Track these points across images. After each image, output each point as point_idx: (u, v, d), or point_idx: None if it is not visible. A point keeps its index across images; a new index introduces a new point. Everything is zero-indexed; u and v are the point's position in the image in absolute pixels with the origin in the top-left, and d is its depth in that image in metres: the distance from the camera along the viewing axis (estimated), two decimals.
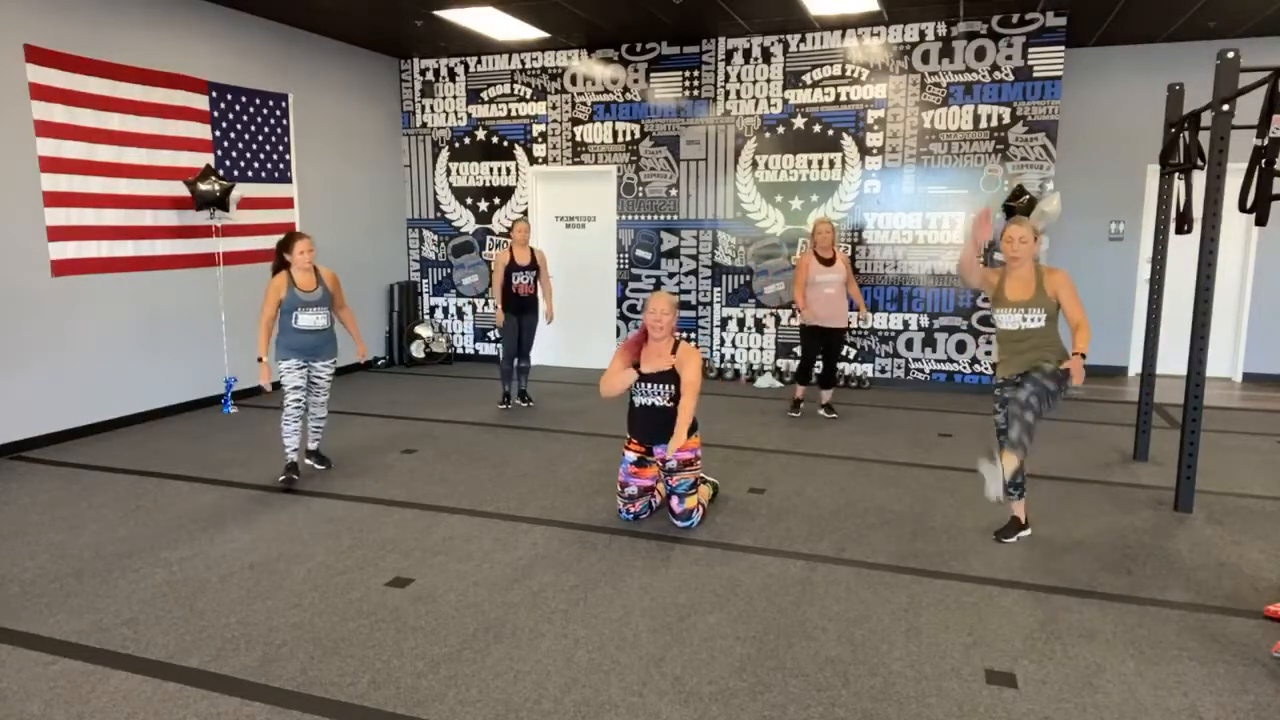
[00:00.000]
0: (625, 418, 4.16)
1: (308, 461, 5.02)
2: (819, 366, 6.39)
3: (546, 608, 3.25)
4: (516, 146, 8.44)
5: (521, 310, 6.49)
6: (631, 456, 4.01)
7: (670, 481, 3.95)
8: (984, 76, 7.00)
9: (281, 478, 4.68)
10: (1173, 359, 7.19)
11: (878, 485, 4.76)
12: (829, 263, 6.13)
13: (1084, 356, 3.59)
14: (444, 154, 8.71)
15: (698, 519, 4.01)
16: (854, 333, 7.61)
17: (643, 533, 3.99)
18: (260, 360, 4.62)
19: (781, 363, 7.93)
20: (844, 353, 6.39)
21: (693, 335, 8.18)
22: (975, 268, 3.93)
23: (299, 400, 4.69)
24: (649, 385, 3.92)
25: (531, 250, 6.46)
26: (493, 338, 8.83)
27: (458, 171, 8.70)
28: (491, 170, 8.58)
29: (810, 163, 7.55)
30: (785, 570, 3.60)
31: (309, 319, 4.65)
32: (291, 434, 4.70)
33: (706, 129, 7.81)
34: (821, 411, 6.44)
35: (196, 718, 2.54)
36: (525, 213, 8.49)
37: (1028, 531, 3.95)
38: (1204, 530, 4.07)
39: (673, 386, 3.90)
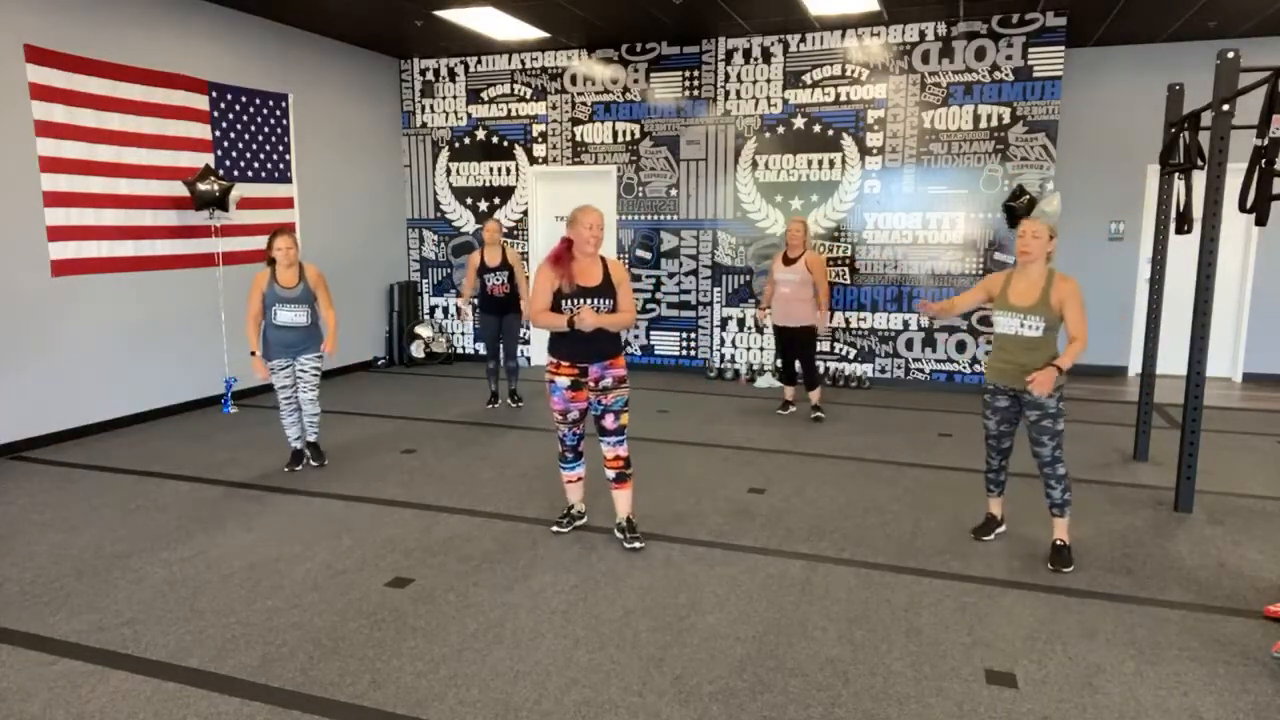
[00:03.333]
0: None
1: (305, 451, 5.10)
2: (798, 366, 6.41)
3: (546, 608, 3.25)
4: (516, 146, 8.44)
5: (499, 310, 6.41)
6: (565, 382, 3.75)
7: (605, 400, 3.76)
8: (984, 76, 7.00)
9: (285, 467, 5.03)
10: (1173, 359, 7.19)
11: (878, 485, 4.76)
12: (791, 262, 6.13)
13: (1061, 372, 3.44)
14: (444, 154, 8.71)
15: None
16: (853, 333, 7.62)
17: (642, 533, 3.99)
18: (254, 354, 4.84)
19: (781, 362, 7.92)
20: (815, 351, 6.33)
21: (692, 335, 8.18)
22: (961, 306, 3.93)
23: (288, 397, 4.94)
24: (591, 301, 3.67)
25: (503, 251, 6.32)
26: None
27: (458, 171, 8.70)
28: (491, 170, 8.58)
29: (810, 163, 7.55)
30: (785, 570, 3.60)
31: (288, 315, 4.77)
32: (290, 424, 4.98)
33: (706, 129, 7.81)
34: (809, 413, 6.43)
35: (196, 718, 2.54)
36: (525, 213, 8.49)
37: (1003, 528, 3.98)
38: (1204, 530, 4.07)
39: (611, 301, 3.71)
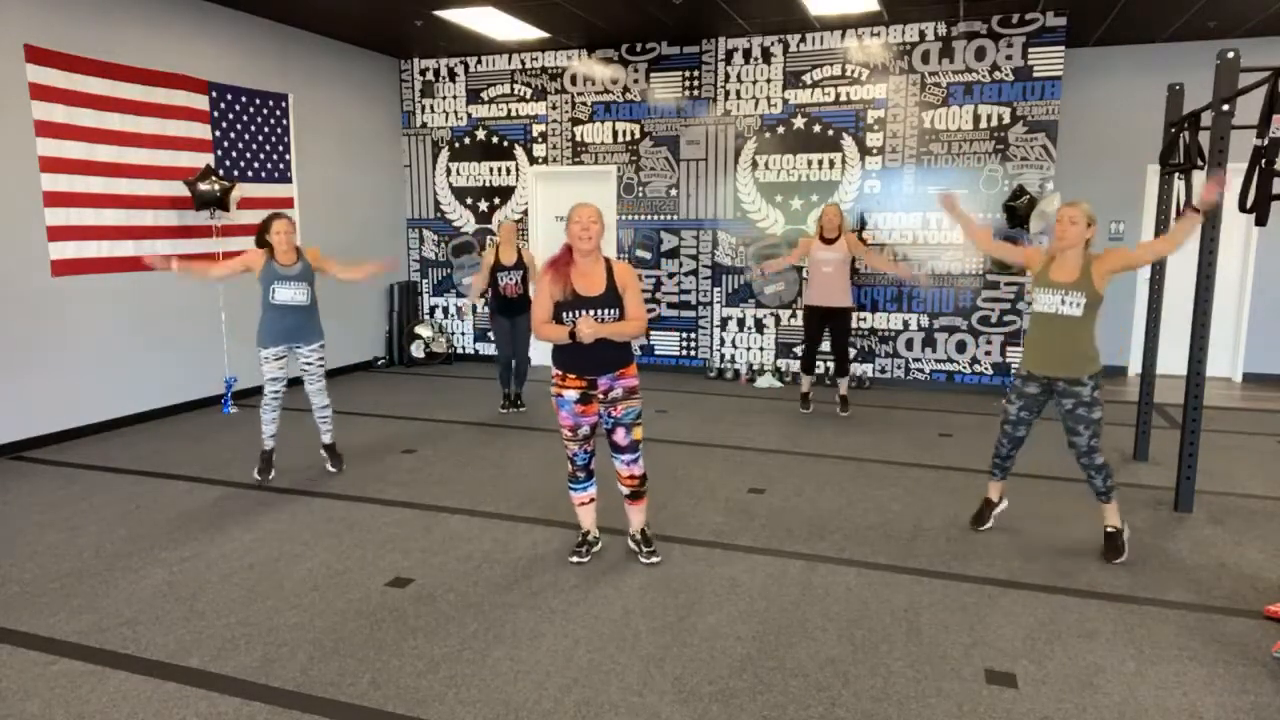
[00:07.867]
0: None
1: (321, 454, 4.99)
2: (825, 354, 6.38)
3: (546, 608, 3.25)
4: (516, 146, 8.44)
5: (512, 312, 6.38)
6: (574, 395, 3.47)
7: (615, 412, 3.49)
8: (984, 76, 7.00)
9: (256, 474, 4.73)
10: (1173, 359, 7.19)
11: (878, 485, 4.76)
12: (830, 242, 6.13)
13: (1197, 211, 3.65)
14: (444, 154, 8.71)
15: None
16: (857, 332, 7.62)
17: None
18: (175, 263, 4.56)
19: (781, 362, 7.93)
20: (852, 339, 6.36)
21: (692, 335, 8.18)
22: (984, 237, 4.00)
23: (276, 391, 4.66)
24: (594, 312, 3.38)
25: (519, 250, 6.36)
26: (492, 338, 8.82)
27: (458, 171, 8.70)
28: (491, 170, 8.58)
29: (810, 163, 7.55)
30: (785, 570, 3.60)
31: (287, 293, 4.55)
32: (269, 422, 4.69)
33: (706, 129, 7.81)
34: (835, 408, 6.43)
35: (197, 718, 2.54)
36: (526, 213, 8.49)
37: (1003, 506, 4.04)
38: (1204, 530, 4.07)
39: (617, 310, 3.43)
